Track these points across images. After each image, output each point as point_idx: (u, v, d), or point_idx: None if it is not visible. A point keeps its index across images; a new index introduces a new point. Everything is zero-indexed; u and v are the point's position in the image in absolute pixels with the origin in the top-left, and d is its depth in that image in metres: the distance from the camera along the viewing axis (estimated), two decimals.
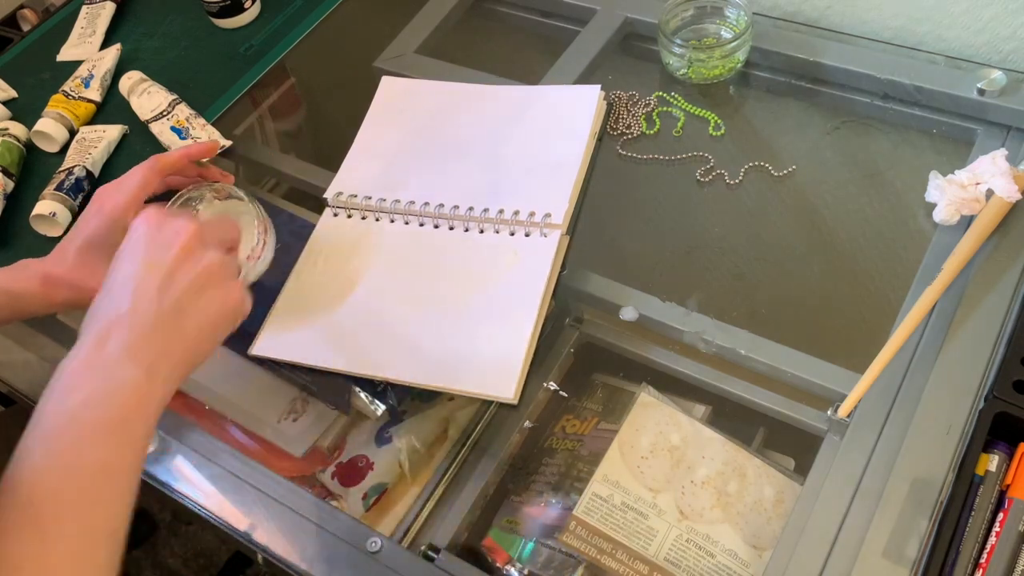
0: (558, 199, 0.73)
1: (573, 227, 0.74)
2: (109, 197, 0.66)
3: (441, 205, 0.75)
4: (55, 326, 0.76)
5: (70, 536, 0.44)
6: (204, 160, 0.76)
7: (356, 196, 0.77)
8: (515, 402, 0.64)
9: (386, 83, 0.87)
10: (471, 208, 0.74)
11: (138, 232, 0.54)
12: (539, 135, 0.79)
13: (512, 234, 0.73)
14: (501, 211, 0.73)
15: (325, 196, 0.78)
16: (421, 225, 0.75)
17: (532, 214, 0.72)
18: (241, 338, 0.72)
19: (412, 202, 0.76)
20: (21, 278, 0.63)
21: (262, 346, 0.70)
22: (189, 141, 0.84)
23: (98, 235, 0.64)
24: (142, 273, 0.51)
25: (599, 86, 0.80)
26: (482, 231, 0.74)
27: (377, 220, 0.77)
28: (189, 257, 0.53)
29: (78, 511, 0.45)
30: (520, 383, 0.65)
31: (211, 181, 0.75)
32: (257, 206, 0.68)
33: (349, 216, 0.77)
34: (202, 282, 0.53)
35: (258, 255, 0.67)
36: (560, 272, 0.71)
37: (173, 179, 0.73)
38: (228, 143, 0.84)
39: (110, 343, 0.49)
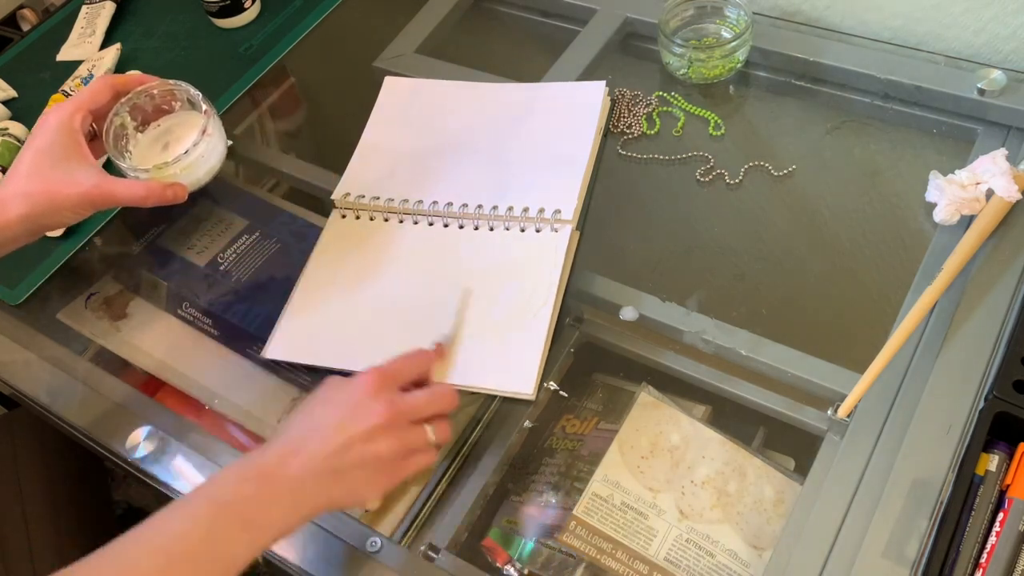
0: (567, 195, 0.73)
1: (582, 223, 0.74)
2: (55, 111, 0.66)
3: (450, 204, 0.75)
4: (56, 326, 0.76)
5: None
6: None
7: (364, 197, 0.77)
8: (534, 398, 0.65)
9: (389, 83, 0.87)
10: (480, 206, 0.74)
11: (346, 390, 0.57)
12: (545, 131, 0.79)
13: (523, 231, 0.73)
14: (511, 208, 0.73)
15: (332, 197, 0.78)
16: (431, 224, 0.75)
17: (542, 210, 0.72)
18: (241, 339, 0.72)
19: (420, 201, 0.76)
20: None
21: (275, 349, 0.70)
22: None
23: (44, 145, 0.65)
24: (328, 430, 0.55)
25: (604, 82, 0.80)
26: (492, 228, 0.74)
27: (386, 220, 0.77)
28: (371, 438, 0.55)
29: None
30: (539, 378, 0.65)
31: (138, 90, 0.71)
32: (196, 104, 0.70)
33: (357, 217, 0.77)
34: (368, 463, 0.55)
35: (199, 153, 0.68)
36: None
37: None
38: (229, 142, 0.83)
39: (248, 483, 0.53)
